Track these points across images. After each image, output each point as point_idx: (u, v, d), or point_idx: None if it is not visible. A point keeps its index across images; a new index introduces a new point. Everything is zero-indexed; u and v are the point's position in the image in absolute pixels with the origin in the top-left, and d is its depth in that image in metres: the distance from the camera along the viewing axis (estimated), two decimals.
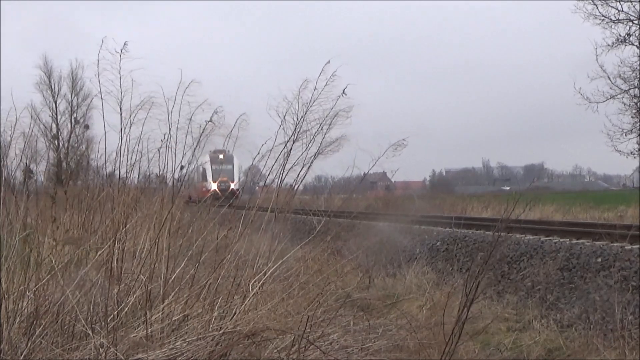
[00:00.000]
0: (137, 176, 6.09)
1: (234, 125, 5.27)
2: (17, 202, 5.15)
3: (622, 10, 25.17)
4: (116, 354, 3.40)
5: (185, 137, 5.23)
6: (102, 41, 4.82)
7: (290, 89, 5.14)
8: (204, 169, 39.50)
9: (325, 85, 4.98)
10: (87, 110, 39.63)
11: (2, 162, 5.88)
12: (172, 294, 4.10)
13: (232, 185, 37.94)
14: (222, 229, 4.93)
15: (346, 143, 5.19)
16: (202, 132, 5.25)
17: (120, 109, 5.07)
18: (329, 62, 5.02)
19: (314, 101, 5.10)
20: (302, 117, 5.15)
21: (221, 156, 37.65)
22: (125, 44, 4.80)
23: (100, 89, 5.00)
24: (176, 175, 5.64)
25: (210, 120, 5.18)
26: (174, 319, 3.92)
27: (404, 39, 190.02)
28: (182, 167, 5.60)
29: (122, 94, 4.94)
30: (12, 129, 5.47)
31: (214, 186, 37.28)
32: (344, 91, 5.02)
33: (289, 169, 5.28)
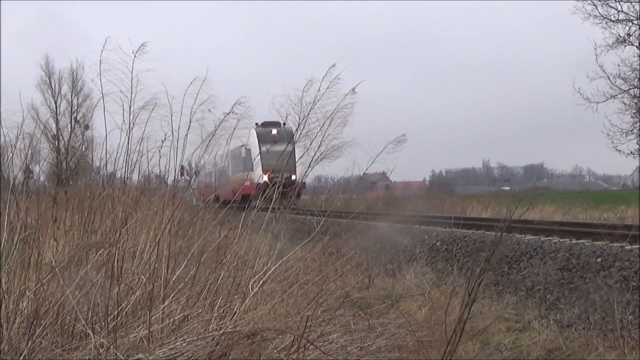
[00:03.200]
0: (137, 176, 6.09)
1: (237, 123, 5.22)
2: (18, 202, 5.16)
3: (622, 11, 25.19)
4: (116, 354, 3.40)
5: (186, 136, 5.18)
6: (106, 41, 4.84)
7: (293, 88, 5.15)
8: (248, 152, 28.03)
9: (327, 88, 5.00)
10: (92, 112, 39.49)
11: (2, 162, 5.89)
12: (173, 294, 4.11)
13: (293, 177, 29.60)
14: (223, 229, 4.94)
15: (348, 145, 5.19)
16: (220, 123, 5.00)
17: (130, 108, 5.08)
18: (334, 65, 5.03)
19: (316, 103, 5.11)
20: (304, 118, 5.15)
21: (274, 131, 25.30)
22: (143, 44, 4.81)
23: (96, 88, 5.01)
24: (177, 175, 5.63)
25: (232, 112, 4.99)
26: (174, 319, 3.92)
27: (403, 39, 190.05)
28: (182, 167, 5.60)
29: (132, 93, 4.94)
30: (19, 130, 5.48)
31: (264, 178, 28.10)
32: (353, 89, 5.04)
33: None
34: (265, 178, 26.44)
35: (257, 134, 27.26)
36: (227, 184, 30.58)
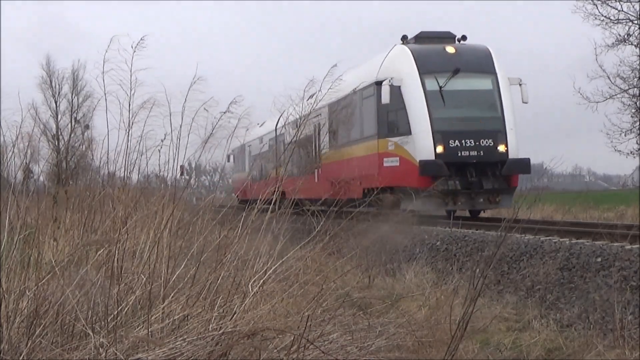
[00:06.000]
0: (137, 176, 6.09)
1: (238, 122, 5.18)
2: (18, 202, 5.16)
3: (622, 10, 25.22)
4: (116, 353, 3.40)
5: (188, 135, 5.16)
6: (111, 40, 4.82)
7: (295, 88, 5.14)
8: (395, 91, 12.55)
9: (329, 89, 4.99)
10: (92, 112, 39.44)
11: (2, 162, 5.89)
12: (172, 293, 4.11)
13: (501, 149, 12.63)
14: (223, 229, 4.94)
15: None
16: (218, 122, 4.91)
17: (129, 105, 5.07)
18: (335, 65, 5.02)
19: (317, 102, 5.10)
20: (304, 118, 5.15)
21: (450, 49, 12.92)
22: (142, 39, 4.78)
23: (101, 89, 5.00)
24: (177, 175, 5.61)
25: (228, 110, 4.92)
26: (173, 318, 3.93)
27: None
28: (182, 167, 5.59)
29: (132, 90, 4.93)
30: (18, 129, 5.49)
31: (436, 151, 12.15)
32: (355, 89, 5.04)
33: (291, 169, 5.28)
34: (439, 150, 11.66)
35: (412, 54, 12.75)
36: (319, 169, 16.16)
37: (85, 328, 3.60)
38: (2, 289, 3.75)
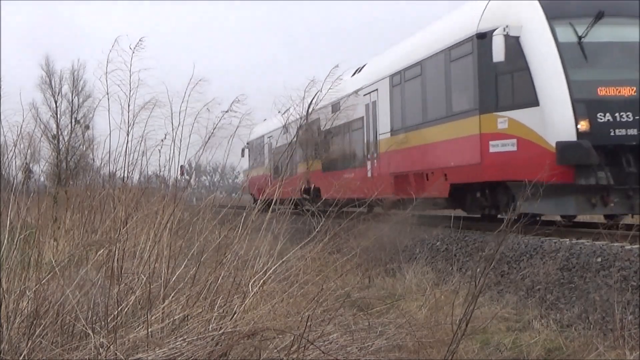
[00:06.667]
0: (138, 176, 6.10)
1: (239, 123, 5.17)
2: (18, 202, 5.17)
3: None
4: (116, 353, 3.41)
5: (190, 136, 5.16)
6: (116, 41, 4.84)
7: (295, 88, 5.15)
8: (513, 46, 8.79)
9: (329, 89, 5.00)
10: (93, 112, 39.35)
11: (2, 162, 5.90)
12: (173, 294, 4.11)
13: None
14: (223, 229, 4.94)
15: None
16: (219, 121, 4.87)
17: (128, 105, 5.08)
18: (337, 66, 5.03)
19: (318, 103, 5.12)
20: (305, 118, 5.16)
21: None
22: (140, 40, 4.79)
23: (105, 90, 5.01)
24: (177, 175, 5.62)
25: (230, 109, 4.89)
26: (174, 318, 3.93)
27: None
28: (182, 167, 5.60)
29: (130, 91, 4.94)
30: (19, 130, 5.50)
31: (578, 126, 8.32)
32: (357, 91, 5.06)
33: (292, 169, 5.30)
34: (583, 127, 8.15)
35: None
36: (375, 160, 12.59)
37: (85, 328, 3.60)
38: (2, 289, 3.76)
